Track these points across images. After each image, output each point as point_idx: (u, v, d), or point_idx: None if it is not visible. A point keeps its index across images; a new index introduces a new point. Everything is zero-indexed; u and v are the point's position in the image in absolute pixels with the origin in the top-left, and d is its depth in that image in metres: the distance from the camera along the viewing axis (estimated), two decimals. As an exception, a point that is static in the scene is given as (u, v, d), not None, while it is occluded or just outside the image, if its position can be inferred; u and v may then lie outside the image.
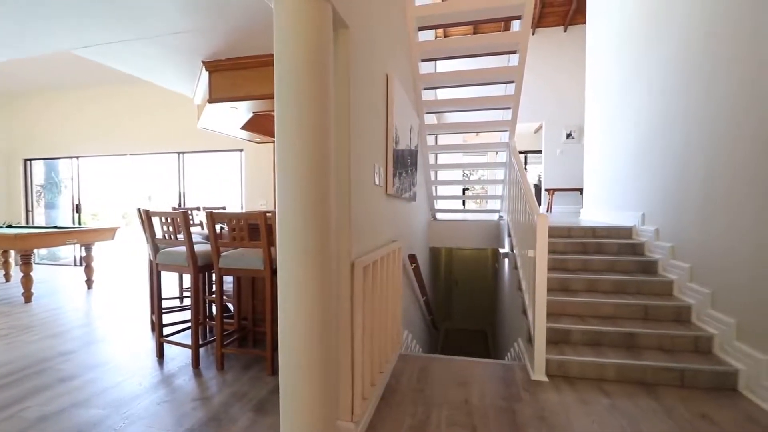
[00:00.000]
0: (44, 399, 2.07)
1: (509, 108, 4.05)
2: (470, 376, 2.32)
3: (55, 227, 4.95)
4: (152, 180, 6.83)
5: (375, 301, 2.00)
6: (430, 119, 5.32)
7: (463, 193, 9.69)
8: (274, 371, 2.34)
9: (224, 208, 4.31)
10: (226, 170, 6.30)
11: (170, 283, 4.05)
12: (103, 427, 1.81)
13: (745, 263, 2.18)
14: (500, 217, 5.04)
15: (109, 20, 2.39)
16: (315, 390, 1.32)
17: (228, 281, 3.16)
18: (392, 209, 2.59)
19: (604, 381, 2.25)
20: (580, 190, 6.42)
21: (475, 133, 8.29)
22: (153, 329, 3.12)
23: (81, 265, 5.32)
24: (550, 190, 7.21)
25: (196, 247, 2.49)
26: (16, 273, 5.25)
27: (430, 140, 5.27)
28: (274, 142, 1.33)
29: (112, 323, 3.38)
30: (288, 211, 1.29)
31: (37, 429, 1.80)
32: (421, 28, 3.47)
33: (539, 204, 7.37)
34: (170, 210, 3.10)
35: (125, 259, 7.01)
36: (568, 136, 7.28)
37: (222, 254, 2.43)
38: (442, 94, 6.79)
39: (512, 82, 3.78)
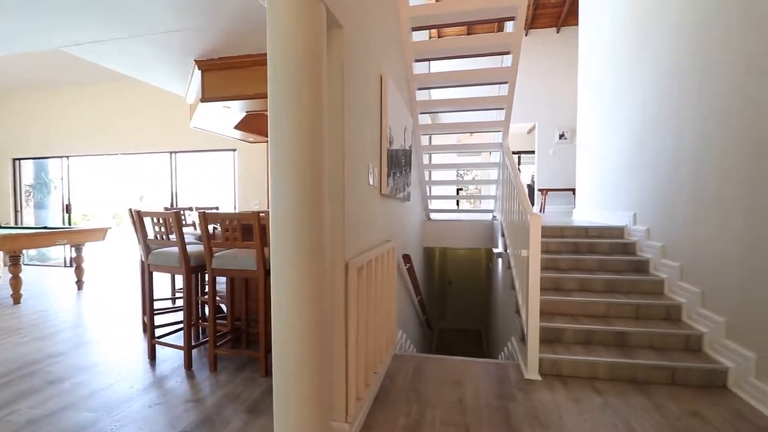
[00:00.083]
0: (33, 402, 2.04)
1: (503, 108, 4.07)
2: (464, 376, 2.33)
3: (45, 227, 4.88)
4: (144, 180, 6.76)
5: (369, 302, 2.00)
6: (424, 119, 5.33)
7: (457, 193, 9.72)
8: (268, 372, 2.33)
9: (217, 208, 4.29)
10: (218, 170, 6.26)
11: (162, 284, 4.02)
12: (93, 430, 1.79)
13: (735, 262, 2.21)
14: (494, 217, 5.06)
15: (100, 18, 2.37)
16: (309, 391, 1.31)
17: (221, 282, 3.14)
18: (386, 209, 2.59)
19: (597, 379, 2.27)
20: (573, 191, 6.48)
21: (468, 134, 8.32)
22: (145, 331, 3.09)
23: (71, 266, 5.26)
24: (543, 190, 7.26)
25: (189, 248, 2.47)
26: (4, 274, 5.16)
27: (424, 140, 5.28)
28: (267, 141, 1.32)
29: (102, 325, 3.34)
30: (281, 212, 1.29)
31: (26, 433, 1.78)
32: (415, 29, 3.48)
33: (532, 204, 7.43)
34: (162, 210, 3.07)
35: (116, 260, 6.93)
36: (561, 136, 7.34)
37: (215, 255, 2.41)
38: (436, 94, 6.81)
39: (505, 82, 3.80)
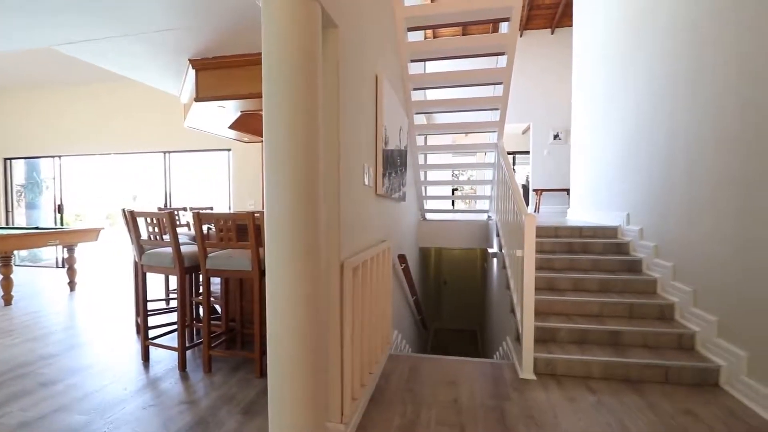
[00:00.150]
0: (25, 404, 2.01)
1: (497, 109, 4.08)
2: (459, 376, 2.33)
3: (37, 228, 4.83)
4: (137, 180, 6.70)
5: (365, 302, 2.00)
6: (420, 120, 5.34)
7: (453, 194, 9.74)
8: (263, 373, 2.32)
9: (211, 209, 4.26)
10: (213, 170, 6.22)
11: (156, 284, 3.99)
12: (86, 433, 1.77)
13: (727, 262, 2.24)
14: (489, 217, 5.07)
15: (92, 16, 2.34)
16: (304, 392, 1.31)
17: (215, 283, 3.12)
18: (382, 209, 2.59)
19: (591, 378, 2.28)
20: (567, 191, 6.52)
21: (464, 134, 8.35)
22: (138, 332, 3.06)
23: (63, 266, 5.20)
24: (538, 190, 7.30)
25: (183, 248, 2.45)
26: (-5, 275, 5.10)
27: (420, 141, 5.29)
28: (262, 141, 1.31)
29: (95, 326, 3.31)
30: (277, 212, 1.28)
31: (17, 435, 1.76)
32: (410, 29, 3.48)
33: (527, 204, 7.45)
34: (156, 210, 3.05)
35: (109, 261, 6.87)
36: (556, 137, 7.38)
37: (209, 255, 2.40)
38: (432, 94, 6.82)
39: (500, 83, 3.82)
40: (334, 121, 1.60)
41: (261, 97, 1.30)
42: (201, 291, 2.73)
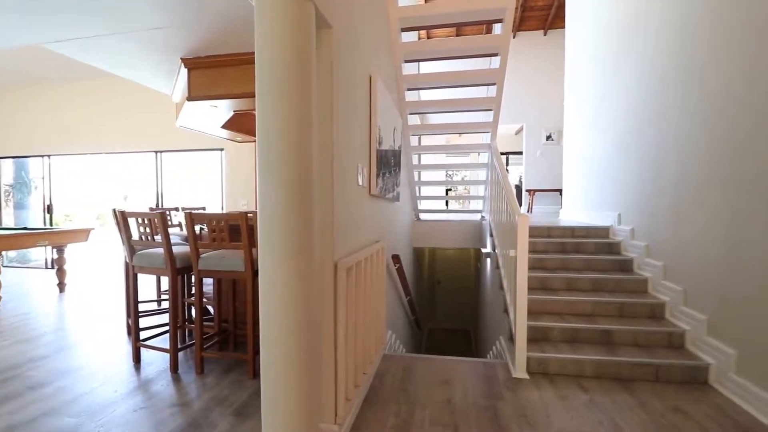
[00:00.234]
0: (14, 407, 1.98)
1: (491, 110, 4.10)
2: (453, 375, 2.34)
3: (25, 228, 4.75)
4: (128, 180, 6.63)
5: (358, 302, 1.99)
6: (414, 120, 5.34)
7: (446, 194, 9.77)
8: (256, 374, 2.30)
9: (204, 209, 4.23)
10: (205, 170, 6.18)
11: (147, 285, 3.95)
12: (76, 436, 1.75)
13: (716, 262, 2.27)
14: (482, 217, 5.10)
15: (82, 14, 2.31)
16: (297, 393, 1.30)
17: (208, 283, 3.10)
18: (376, 210, 2.59)
19: (583, 377, 2.30)
20: (560, 191, 6.56)
21: (457, 134, 8.37)
22: (129, 333, 3.03)
23: (53, 267, 5.13)
24: (531, 190, 7.35)
25: (175, 249, 2.43)
26: (-18, 276, 5.02)
27: (414, 141, 5.29)
28: (255, 141, 1.31)
29: (85, 328, 3.27)
30: (270, 212, 1.28)
31: (5, 439, 1.73)
32: (404, 29, 3.48)
33: (520, 204, 7.50)
34: (147, 210, 3.01)
35: (100, 262, 6.79)
36: (548, 137, 7.44)
37: (201, 256, 2.38)
38: (426, 95, 6.82)
39: (494, 84, 3.84)
40: (327, 121, 1.60)
41: (254, 96, 1.30)
42: (193, 292, 2.71)
